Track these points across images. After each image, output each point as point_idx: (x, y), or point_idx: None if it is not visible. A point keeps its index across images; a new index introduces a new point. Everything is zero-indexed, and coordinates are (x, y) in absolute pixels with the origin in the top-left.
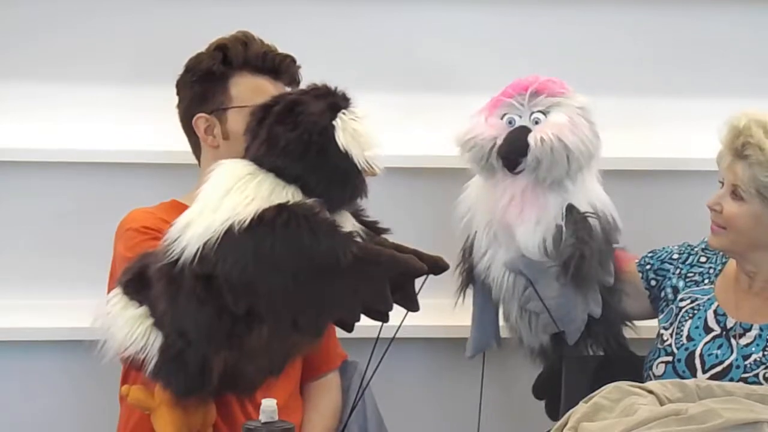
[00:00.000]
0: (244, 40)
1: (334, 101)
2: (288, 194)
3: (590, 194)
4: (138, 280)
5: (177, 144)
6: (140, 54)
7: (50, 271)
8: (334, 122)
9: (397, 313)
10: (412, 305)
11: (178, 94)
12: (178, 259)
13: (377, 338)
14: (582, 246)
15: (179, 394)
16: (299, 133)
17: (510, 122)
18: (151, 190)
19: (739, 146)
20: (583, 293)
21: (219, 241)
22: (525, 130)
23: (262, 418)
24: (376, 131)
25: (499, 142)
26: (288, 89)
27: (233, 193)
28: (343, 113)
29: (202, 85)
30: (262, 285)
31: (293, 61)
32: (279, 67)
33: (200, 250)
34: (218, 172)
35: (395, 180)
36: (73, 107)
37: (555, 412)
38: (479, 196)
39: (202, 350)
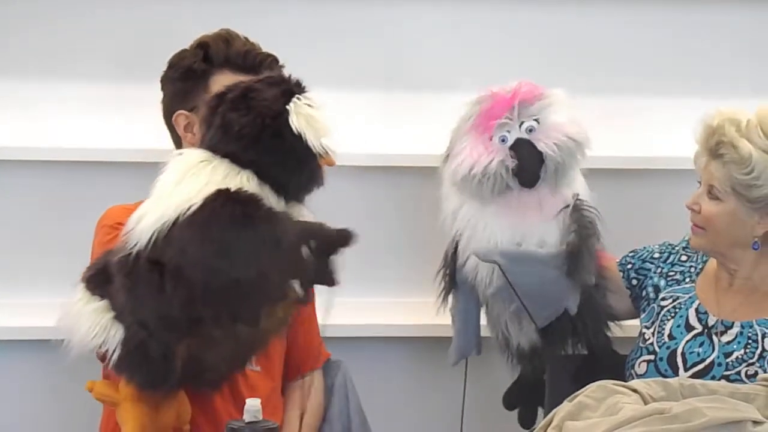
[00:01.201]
0: (227, 38)
1: (288, 88)
2: (242, 179)
3: (580, 188)
4: (101, 275)
5: (159, 142)
6: (122, 51)
7: (29, 269)
8: (288, 107)
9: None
10: (330, 281)
11: (162, 89)
12: (133, 251)
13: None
14: (585, 233)
15: (143, 386)
16: (252, 118)
17: (503, 140)
18: (129, 189)
19: (714, 145)
20: (571, 283)
21: (169, 228)
22: (528, 143)
23: (246, 417)
24: (330, 117)
25: (509, 163)
26: None
27: (186, 180)
28: (297, 98)
29: (184, 82)
30: (198, 275)
31: (275, 60)
32: (260, 66)
33: (153, 238)
34: (173, 161)
35: (377, 178)
36: (54, 105)
37: (528, 421)
38: (478, 216)
39: (164, 339)
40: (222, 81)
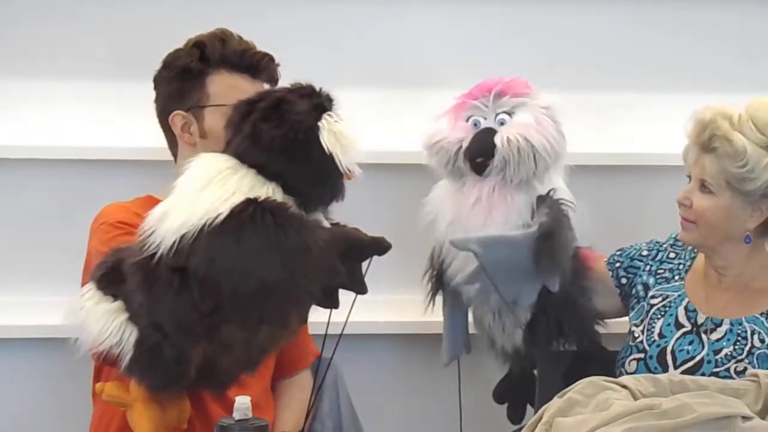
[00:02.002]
0: (222, 38)
1: (319, 101)
2: (268, 191)
3: (557, 193)
4: (112, 275)
5: (153, 141)
6: (120, 49)
7: (25, 268)
8: (319, 123)
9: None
10: (360, 287)
11: (155, 89)
12: (154, 252)
13: (336, 333)
14: (559, 216)
15: (155, 388)
16: (285, 131)
17: (475, 124)
18: (126, 188)
19: (706, 139)
20: (547, 262)
21: (195, 235)
22: (491, 132)
23: (236, 415)
24: (359, 134)
25: (466, 144)
26: (266, 87)
27: (212, 186)
28: (329, 114)
29: (180, 82)
30: (227, 282)
31: (271, 59)
32: (257, 65)
33: (176, 243)
34: (198, 164)
35: (370, 175)
36: (52, 103)
37: (516, 416)
38: (444, 200)
39: (180, 343)
40: (218, 80)
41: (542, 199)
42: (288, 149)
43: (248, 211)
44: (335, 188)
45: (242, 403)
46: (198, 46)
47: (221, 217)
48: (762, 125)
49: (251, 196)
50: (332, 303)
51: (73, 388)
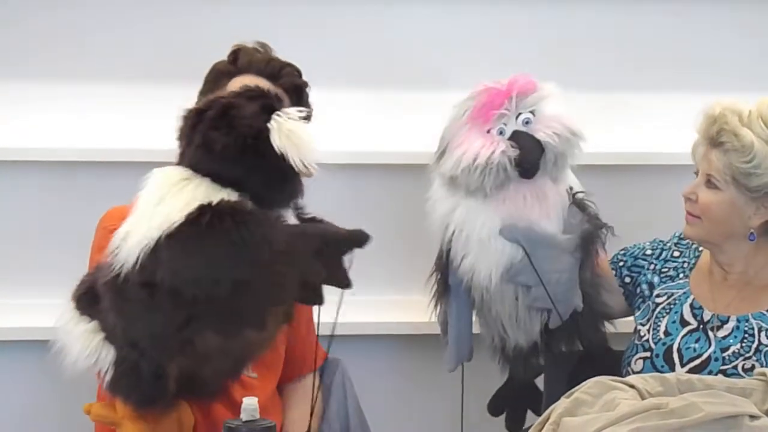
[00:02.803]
0: (257, 48)
1: (267, 102)
2: (224, 196)
3: (573, 183)
4: (89, 295)
5: (160, 142)
6: (122, 51)
7: (29, 269)
8: (269, 124)
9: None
10: (342, 282)
11: None
12: (121, 271)
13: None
14: (596, 223)
15: (139, 405)
16: (235, 137)
17: (501, 132)
18: (133, 189)
19: (714, 134)
20: (577, 276)
21: (154, 247)
22: (527, 134)
23: (244, 416)
24: (313, 131)
25: (512, 154)
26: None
27: (168, 198)
28: (278, 114)
29: (211, 82)
30: (197, 288)
31: (296, 70)
32: (278, 72)
33: (139, 258)
34: (153, 179)
35: (368, 176)
36: (54, 104)
37: (516, 424)
38: (470, 214)
39: (156, 359)
40: (240, 80)
41: (574, 200)
42: (240, 155)
43: (205, 216)
44: (293, 188)
45: (249, 404)
46: (234, 52)
47: (176, 225)
48: None
49: (206, 201)
50: (315, 299)
51: (73, 391)
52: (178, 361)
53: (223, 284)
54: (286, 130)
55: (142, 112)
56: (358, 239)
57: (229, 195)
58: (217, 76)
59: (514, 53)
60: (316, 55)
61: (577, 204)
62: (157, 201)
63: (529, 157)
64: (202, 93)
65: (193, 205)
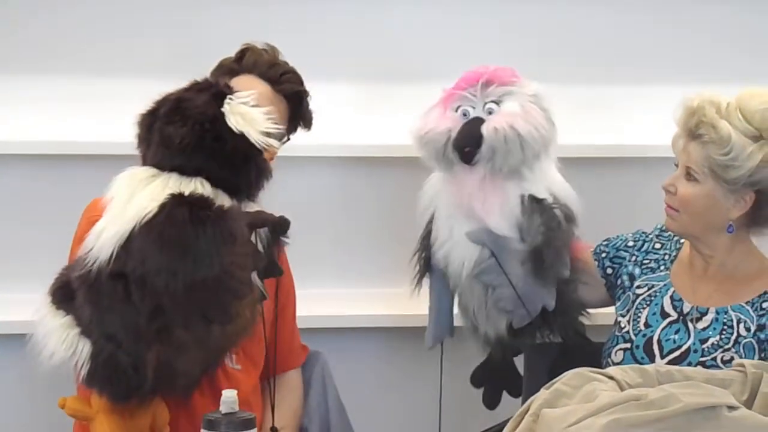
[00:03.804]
0: (265, 50)
1: (217, 90)
2: (196, 186)
3: (549, 182)
4: (65, 289)
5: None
6: (107, 46)
7: (3, 263)
8: (222, 109)
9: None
10: (275, 269)
11: None
12: (94, 266)
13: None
14: (551, 235)
15: (115, 398)
16: (191, 127)
17: (464, 114)
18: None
19: (693, 126)
20: (541, 283)
21: (128, 237)
22: (478, 121)
23: (223, 409)
24: (262, 112)
25: (454, 134)
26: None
27: (138, 194)
28: (230, 98)
29: (215, 75)
30: (159, 281)
31: (298, 77)
32: (279, 77)
33: (113, 252)
34: (120, 179)
35: (355, 169)
36: (41, 99)
37: (492, 401)
38: (440, 189)
39: (133, 349)
40: (243, 80)
41: (536, 206)
42: (199, 143)
43: (171, 205)
44: (259, 167)
45: (229, 397)
46: (243, 50)
47: (150, 214)
48: (749, 114)
49: (178, 192)
50: (274, 271)
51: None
52: (156, 350)
53: (179, 278)
54: (240, 111)
55: (125, 106)
56: (282, 226)
57: (201, 183)
58: (222, 71)
59: (500, 47)
60: (303, 50)
61: (544, 212)
62: (127, 198)
63: (461, 141)
64: None
65: (164, 194)
